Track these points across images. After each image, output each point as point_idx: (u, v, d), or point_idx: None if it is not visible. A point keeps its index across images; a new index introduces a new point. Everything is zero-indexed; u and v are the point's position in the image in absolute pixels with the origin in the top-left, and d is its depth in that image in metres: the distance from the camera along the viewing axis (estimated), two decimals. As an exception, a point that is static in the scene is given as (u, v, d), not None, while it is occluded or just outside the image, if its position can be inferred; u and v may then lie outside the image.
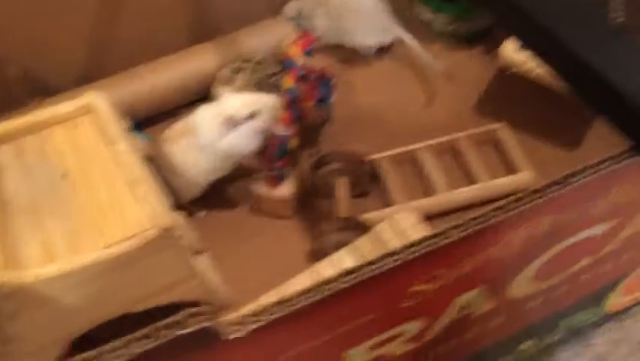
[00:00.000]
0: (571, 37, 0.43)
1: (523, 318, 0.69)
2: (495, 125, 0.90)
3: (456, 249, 0.45)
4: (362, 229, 0.77)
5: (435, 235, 0.42)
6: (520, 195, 0.45)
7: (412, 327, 0.59)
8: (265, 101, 0.79)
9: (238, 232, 0.85)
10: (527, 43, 0.48)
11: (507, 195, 0.83)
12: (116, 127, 0.73)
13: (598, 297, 0.75)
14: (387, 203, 0.85)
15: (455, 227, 0.43)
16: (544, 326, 0.74)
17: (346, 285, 0.43)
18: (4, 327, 0.65)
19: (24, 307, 0.61)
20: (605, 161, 0.45)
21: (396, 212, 0.81)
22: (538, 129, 0.91)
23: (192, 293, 0.74)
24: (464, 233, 0.43)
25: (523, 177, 0.85)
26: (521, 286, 0.61)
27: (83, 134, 0.75)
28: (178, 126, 0.83)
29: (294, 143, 0.82)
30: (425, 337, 0.60)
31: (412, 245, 0.42)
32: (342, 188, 0.84)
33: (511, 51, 0.90)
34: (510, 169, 0.88)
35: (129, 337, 0.45)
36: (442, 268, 0.47)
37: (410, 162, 0.90)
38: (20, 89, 0.92)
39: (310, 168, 0.84)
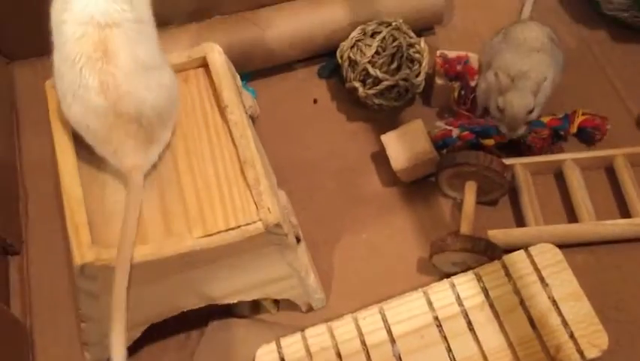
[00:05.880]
0: None
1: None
2: (664, 147, 0.75)
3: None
4: (490, 253, 0.66)
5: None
6: None
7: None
8: None
9: (346, 222, 0.76)
10: None
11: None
12: (229, 90, 0.63)
13: None
14: (518, 220, 0.74)
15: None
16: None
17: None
18: (86, 306, 0.59)
19: (107, 289, 0.54)
20: None
21: (529, 236, 0.69)
22: None
23: (287, 292, 0.66)
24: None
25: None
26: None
27: (193, 92, 0.65)
28: None
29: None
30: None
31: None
32: (470, 194, 0.72)
33: None
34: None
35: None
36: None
37: (553, 175, 0.77)
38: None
39: (442, 163, 0.72)
